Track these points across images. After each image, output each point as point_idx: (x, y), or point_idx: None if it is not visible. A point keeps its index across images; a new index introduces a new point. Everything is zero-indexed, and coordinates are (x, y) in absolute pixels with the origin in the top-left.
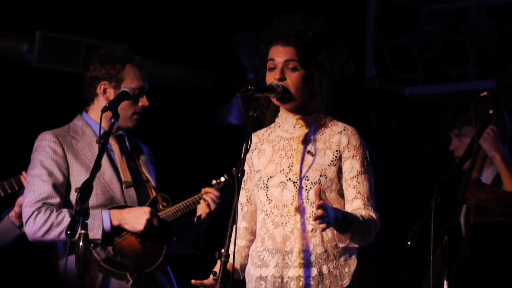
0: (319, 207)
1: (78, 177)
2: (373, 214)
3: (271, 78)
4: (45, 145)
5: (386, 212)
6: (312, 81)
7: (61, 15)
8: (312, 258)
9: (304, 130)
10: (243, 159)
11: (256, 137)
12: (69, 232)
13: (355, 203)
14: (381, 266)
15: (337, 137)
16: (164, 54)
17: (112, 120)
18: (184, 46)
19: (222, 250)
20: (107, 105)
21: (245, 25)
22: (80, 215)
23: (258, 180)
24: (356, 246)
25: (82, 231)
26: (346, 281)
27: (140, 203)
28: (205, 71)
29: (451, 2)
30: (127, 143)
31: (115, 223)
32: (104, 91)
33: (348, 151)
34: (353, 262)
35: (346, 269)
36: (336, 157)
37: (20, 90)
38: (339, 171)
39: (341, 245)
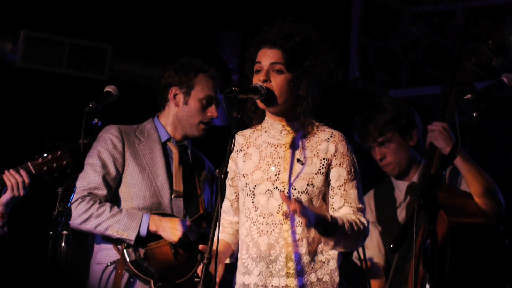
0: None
1: (130, 176)
2: (363, 220)
3: (257, 80)
4: (107, 137)
5: None
6: (298, 86)
7: (45, 15)
8: (299, 267)
9: (291, 137)
10: (226, 160)
11: (242, 138)
12: (51, 232)
13: (343, 210)
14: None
15: (324, 144)
16: (148, 54)
17: (96, 120)
18: (168, 46)
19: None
20: (91, 105)
21: (229, 26)
22: (62, 216)
23: (245, 186)
24: (343, 250)
25: (64, 232)
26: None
27: (187, 215)
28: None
29: (435, 4)
30: (189, 155)
31: (152, 228)
32: (174, 96)
33: (336, 159)
34: (336, 269)
35: (336, 273)
36: (323, 165)
37: (4, 89)
38: (327, 179)
39: (326, 248)
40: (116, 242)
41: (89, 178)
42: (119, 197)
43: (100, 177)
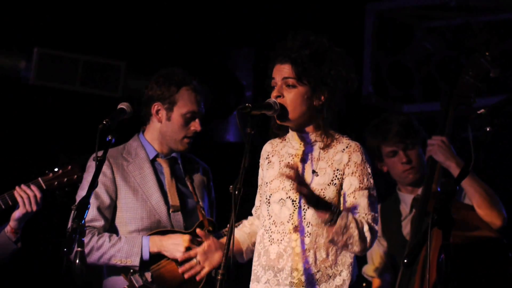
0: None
1: (125, 200)
2: (371, 223)
3: (273, 96)
4: (95, 166)
5: None
6: (313, 98)
7: (59, 33)
8: (304, 278)
9: (309, 149)
10: (241, 176)
11: (270, 146)
12: (65, 249)
13: (349, 215)
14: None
15: (339, 155)
16: None
17: (109, 137)
18: (181, 63)
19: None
20: (104, 122)
21: (242, 42)
22: (76, 233)
23: (264, 194)
24: (348, 249)
25: (79, 249)
26: None
27: (187, 227)
28: (202, 88)
29: (448, 19)
30: (180, 166)
31: (154, 250)
32: (157, 112)
33: (348, 168)
34: (348, 277)
35: None
36: (336, 176)
37: (18, 107)
38: (340, 189)
39: (331, 241)
40: (124, 270)
41: None
42: (118, 223)
43: (95, 209)
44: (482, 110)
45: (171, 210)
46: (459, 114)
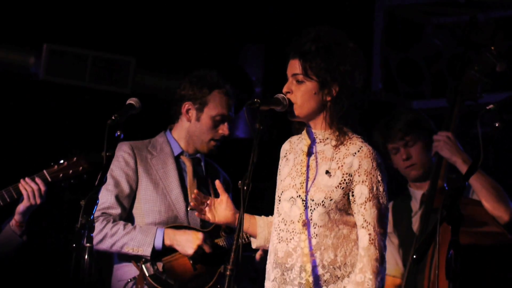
0: None
1: (144, 192)
2: (373, 253)
3: None
4: (119, 155)
5: None
6: (322, 93)
7: (68, 29)
8: (312, 278)
9: (321, 146)
10: (249, 172)
11: (288, 144)
12: (74, 245)
13: (360, 232)
14: None
15: (350, 158)
16: (171, 67)
17: (118, 133)
18: (190, 59)
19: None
20: (113, 117)
21: (252, 39)
22: (85, 228)
23: (276, 191)
24: None
25: (88, 244)
26: None
27: (204, 226)
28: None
29: (458, 16)
30: (203, 167)
31: (167, 242)
32: (187, 111)
33: (359, 176)
34: None
35: None
36: (345, 180)
37: (27, 103)
38: (348, 194)
39: None
40: (135, 258)
41: (102, 198)
42: (135, 214)
43: (113, 196)
44: (491, 106)
45: (189, 208)
46: (466, 109)
